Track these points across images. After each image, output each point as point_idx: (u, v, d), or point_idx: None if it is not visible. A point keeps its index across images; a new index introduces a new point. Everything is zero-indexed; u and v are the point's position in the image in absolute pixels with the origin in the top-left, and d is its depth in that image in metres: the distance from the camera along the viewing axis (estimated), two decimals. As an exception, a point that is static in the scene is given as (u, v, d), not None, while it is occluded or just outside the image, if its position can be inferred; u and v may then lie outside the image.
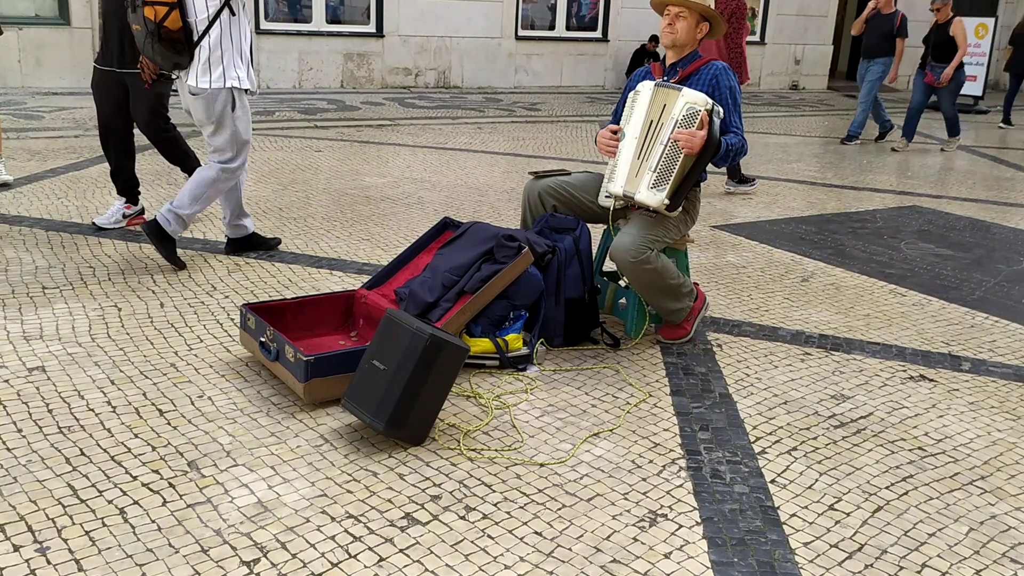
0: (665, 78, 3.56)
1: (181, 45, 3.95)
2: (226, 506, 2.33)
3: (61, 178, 6.01)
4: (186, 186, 4.17)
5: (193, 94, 4.05)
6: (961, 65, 9.24)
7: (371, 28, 12.40)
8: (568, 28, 14.08)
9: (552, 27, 13.98)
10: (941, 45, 9.24)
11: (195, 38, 3.97)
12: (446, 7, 12.69)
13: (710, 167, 3.47)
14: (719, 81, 3.48)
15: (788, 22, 15.77)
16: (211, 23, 3.95)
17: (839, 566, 2.22)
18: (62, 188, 5.72)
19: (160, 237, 4.08)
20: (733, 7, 6.39)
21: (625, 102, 3.55)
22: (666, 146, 3.28)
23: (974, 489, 2.64)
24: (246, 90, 4.15)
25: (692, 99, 3.26)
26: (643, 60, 13.07)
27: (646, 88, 3.39)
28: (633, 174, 3.36)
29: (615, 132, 3.47)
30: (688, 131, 3.23)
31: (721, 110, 3.34)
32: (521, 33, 13.55)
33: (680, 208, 3.41)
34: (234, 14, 4.02)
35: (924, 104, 9.46)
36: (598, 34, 14.28)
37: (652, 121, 3.33)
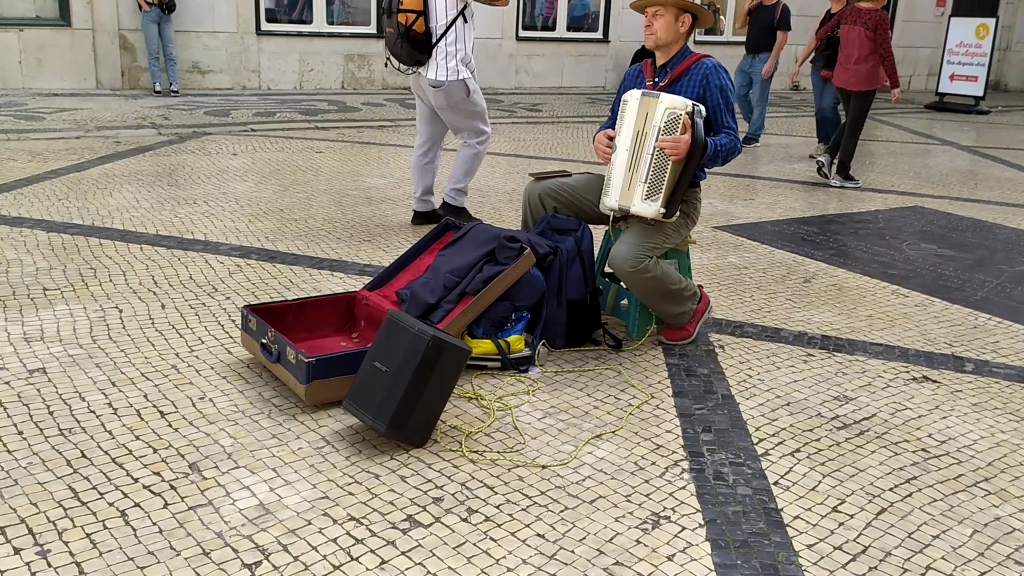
0: (656, 80, 3.54)
1: (423, 45, 4.80)
2: (227, 508, 2.32)
3: (62, 179, 6.01)
4: (457, 165, 5.17)
5: (433, 86, 4.88)
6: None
7: (372, 29, 12.40)
8: (569, 29, 14.08)
9: (552, 28, 13.98)
10: (836, 38, 8.04)
11: (434, 40, 4.80)
12: (447, 8, 12.68)
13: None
14: (709, 80, 3.41)
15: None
16: (448, 28, 4.79)
17: (843, 568, 2.22)
18: (63, 189, 5.71)
19: (455, 211, 5.15)
20: (877, 18, 6.96)
21: (619, 103, 3.50)
22: (653, 155, 3.26)
23: (978, 491, 2.63)
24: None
25: (671, 104, 3.23)
26: (643, 60, 13.05)
27: (633, 98, 3.36)
28: (626, 188, 3.35)
29: (611, 138, 3.45)
30: (672, 137, 3.21)
31: (703, 110, 3.30)
32: (522, 34, 13.55)
33: (677, 213, 3.39)
34: (467, 21, 4.86)
35: (835, 101, 8.47)
36: (599, 35, 14.27)
37: (638, 132, 3.31)
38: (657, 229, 3.42)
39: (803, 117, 12.22)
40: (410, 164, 5.44)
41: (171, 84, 10.68)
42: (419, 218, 5.34)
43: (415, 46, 4.78)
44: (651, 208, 3.29)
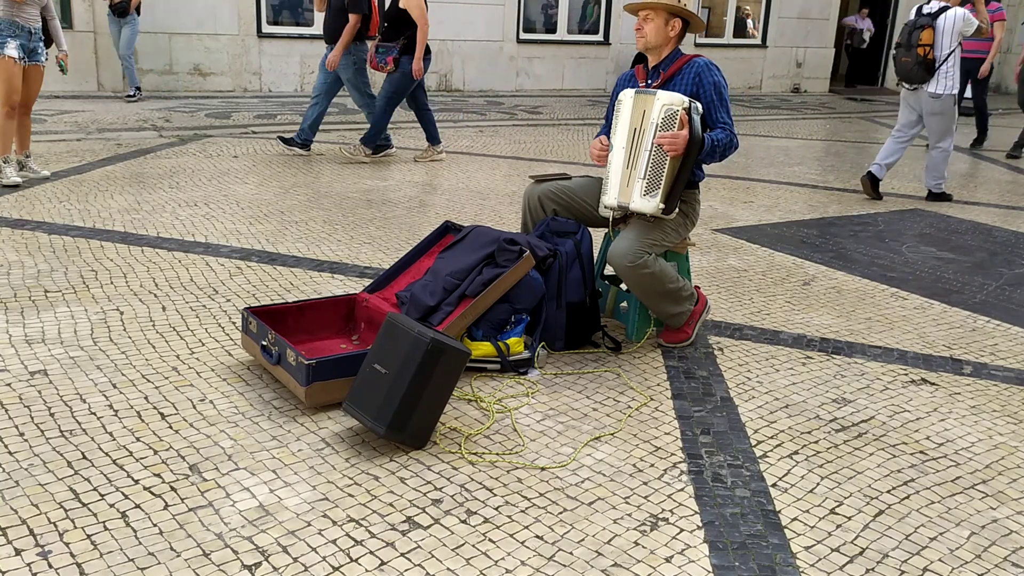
0: (648, 81, 3.56)
1: (931, 69, 6.50)
2: (227, 510, 2.33)
3: (63, 181, 6.02)
4: (936, 166, 6.88)
5: (932, 97, 6.61)
6: (427, 53, 7.14)
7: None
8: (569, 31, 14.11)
9: (553, 30, 14.00)
10: (392, 21, 7.11)
11: (937, 64, 6.49)
12: (447, 10, 12.71)
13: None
14: (702, 78, 3.44)
15: (789, 25, 15.79)
16: (948, 55, 6.47)
17: (840, 570, 2.22)
18: (64, 191, 5.73)
19: (940, 196, 6.98)
20: None
21: (613, 108, 3.54)
22: (651, 152, 3.28)
23: (975, 493, 2.64)
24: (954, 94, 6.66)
25: (668, 100, 3.26)
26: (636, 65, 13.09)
27: (627, 97, 3.38)
28: (624, 184, 3.37)
29: (605, 144, 3.48)
30: (670, 133, 3.23)
31: (700, 106, 3.33)
32: (522, 36, 13.57)
33: (677, 209, 3.41)
34: (962, 50, 6.58)
35: (421, 99, 7.49)
36: (599, 37, 14.30)
37: (635, 129, 3.33)
38: (656, 226, 3.43)
39: (804, 119, 12.24)
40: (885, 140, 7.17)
41: (130, 87, 10.35)
42: (870, 182, 6.88)
43: (927, 70, 6.51)
44: (650, 204, 3.30)
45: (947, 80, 6.56)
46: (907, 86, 6.75)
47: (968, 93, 9.67)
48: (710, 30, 15.42)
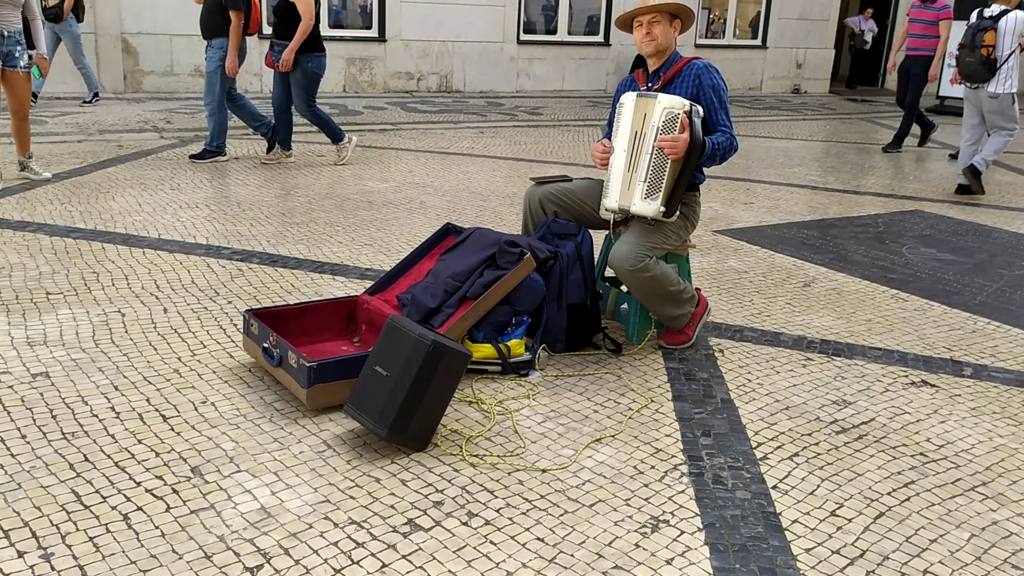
0: (649, 84, 3.57)
1: (993, 69, 7.00)
2: (229, 512, 2.34)
3: (65, 183, 6.03)
4: (988, 146, 7.30)
5: (991, 97, 7.12)
6: (314, 51, 6.85)
7: (373, 33, 12.43)
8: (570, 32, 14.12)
9: (554, 31, 14.00)
10: (281, 16, 6.80)
11: (998, 64, 7.00)
12: (448, 11, 12.72)
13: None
14: (702, 80, 3.45)
15: (790, 26, 15.79)
16: (1008, 56, 6.99)
17: (841, 572, 2.23)
18: (65, 193, 5.73)
19: (978, 175, 7.16)
20: None
21: (614, 112, 3.56)
22: (652, 155, 3.29)
23: (976, 495, 2.64)
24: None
25: (669, 104, 3.27)
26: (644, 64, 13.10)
27: (629, 100, 3.40)
28: (625, 187, 3.38)
29: (607, 147, 3.50)
30: (671, 136, 3.24)
31: (701, 109, 3.34)
32: (523, 37, 13.57)
33: (678, 212, 3.42)
34: (1022, 51, 7.12)
35: (286, 99, 7.06)
36: (600, 38, 14.30)
37: (636, 132, 3.35)
38: (657, 229, 3.44)
39: (803, 121, 12.24)
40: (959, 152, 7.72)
41: (88, 93, 9.93)
42: (961, 190, 7.30)
43: (989, 70, 6.99)
44: (651, 207, 3.31)
45: (1006, 80, 7.09)
46: (969, 85, 7.28)
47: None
48: (710, 31, 15.43)
